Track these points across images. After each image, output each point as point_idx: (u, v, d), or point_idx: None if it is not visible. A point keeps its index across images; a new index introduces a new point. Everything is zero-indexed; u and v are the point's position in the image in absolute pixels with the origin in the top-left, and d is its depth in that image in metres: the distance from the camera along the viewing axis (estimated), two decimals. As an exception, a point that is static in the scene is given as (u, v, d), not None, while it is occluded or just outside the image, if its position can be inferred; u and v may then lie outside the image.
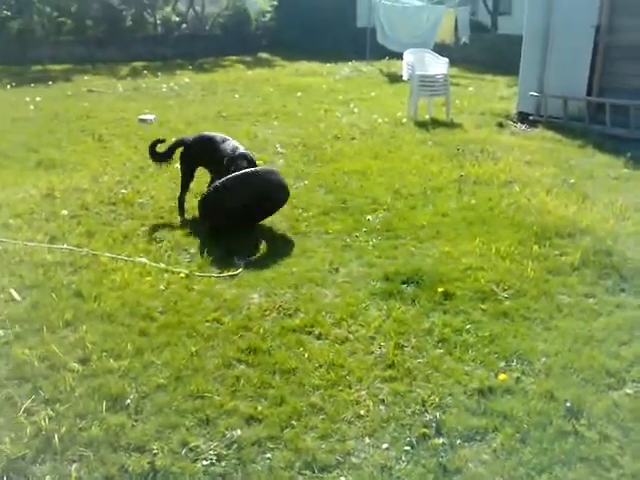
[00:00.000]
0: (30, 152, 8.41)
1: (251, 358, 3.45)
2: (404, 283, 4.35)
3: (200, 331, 3.72)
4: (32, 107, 11.62)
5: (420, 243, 5.08)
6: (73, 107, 11.78)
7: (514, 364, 3.42)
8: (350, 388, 3.21)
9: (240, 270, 4.55)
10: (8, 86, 14.20)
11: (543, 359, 3.45)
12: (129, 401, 3.06)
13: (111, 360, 3.38)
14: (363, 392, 3.18)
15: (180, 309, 3.99)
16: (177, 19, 22.35)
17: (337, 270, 4.62)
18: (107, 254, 4.87)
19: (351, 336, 3.68)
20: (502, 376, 3.27)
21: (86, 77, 15.97)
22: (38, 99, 12.27)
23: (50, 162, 7.82)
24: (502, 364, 3.42)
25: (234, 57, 20.60)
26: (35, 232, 5.37)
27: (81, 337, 3.62)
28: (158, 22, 21.90)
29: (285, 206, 5.72)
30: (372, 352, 3.53)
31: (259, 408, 3.04)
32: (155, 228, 5.53)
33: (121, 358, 3.42)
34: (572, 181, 6.80)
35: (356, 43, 19.48)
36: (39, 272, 4.55)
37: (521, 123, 10.28)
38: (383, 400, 3.12)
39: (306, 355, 3.48)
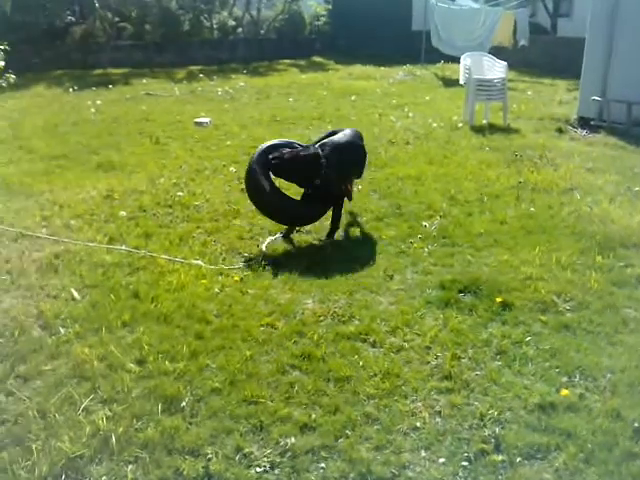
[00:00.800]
0: (91, 154, 8.62)
1: (305, 364, 3.42)
2: (461, 292, 4.26)
3: (254, 335, 3.72)
4: (93, 110, 11.91)
5: (477, 251, 4.97)
6: (132, 110, 12.03)
7: (577, 380, 3.29)
8: (406, 398, 3.15)
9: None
10: (71, 90, 14.58)
11: (608, 375, 3.31)
12: (184, 404, 3.07)
13: (167, 362, 3.40)
14: (419, 403, 3.11)
15: (234, 312, 3.99)
16: (233, 23, 22.62)
17: (392, 277, 4.56)
18: (164, 256, 4.93)
19: (406, 345, 3.62)
20: (564, 392, 3.15)
21: (144, 80, 16.29)
22: (99, 102, 12.58)
23: (109, 164, 8.00)
24: (564, 379, 3.30)
25: (288, 61, 20.71)
26: (95, 232, 5.48)
27: (138, 338, 3.66)
28: (215, 26, 22.21)
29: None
30: (428, 362, 3.46)
31: (313, 416, 3.01)
32: (210, 231, 5.57)
33: (177, 360, 3.44)
34: (636, 189, 6.57)
35: (411, 46, 19.35)
36: (98, 272, 4.63)
37: (581, 128, 10.00)
38: (440, 412, 3.04)
39: (361, 363, 3.44)
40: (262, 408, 3.06)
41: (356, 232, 5.48)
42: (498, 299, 4.04)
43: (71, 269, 4.70)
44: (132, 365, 3.38)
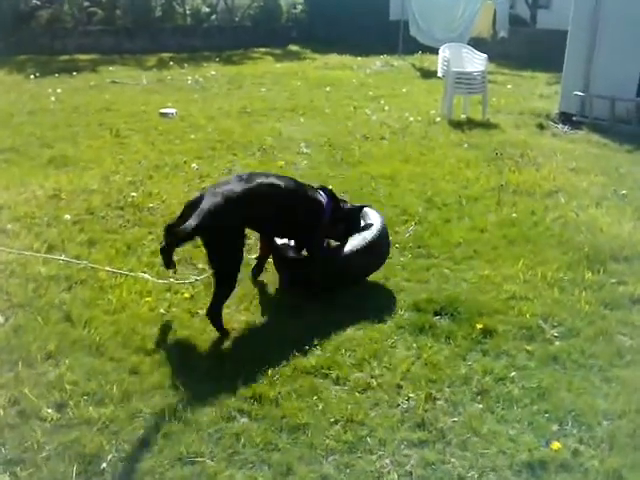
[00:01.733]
0: (44, 147, 8.00)
1: (255, 409, 2.93)
2: (437, 314, 3.80)
3: (199, 370, 3.22)
4: (53, 99, 11.24)
5: (455, 264, 4.51)
6: (94, 99, 11.38)
7: (569, 428, 2.84)
8: (371, 454, 2.68)
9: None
10: (32, 76, 13.85)
11: (605, 423, 2.87)
12: (105, 465, 2.57)
13: (91, 407, 2.89)
14: (387, 460, 2.64)
15: (179, 340, 3.49)
16: (207, 10, 21.88)
17: (361, 295, 4.07)
18: (107, 268, 4.39)
19: (374, 382, 3.14)
20: (556, 445, 2.70)
21: (112, 68, 15.58)
22: (59, 90, 11.90)
23: (62, 159, 7.40)
24: (555, 427, 2.84)
25: (263, 49, 20.06)
26: (33, 239, 4.93)
27: (61, 374, 3.14)
28: (188, 13, 21.46)
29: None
30: (398, 405, 2.99)
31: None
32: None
33: (104, 404, 2.93)
34: (623, 192, 6.16)
35: (388, 36, 18.81)
36: (29, 288, 4.10)
37: (563, 124, 9.60)
38: (411, 473, 2.58)
39: (320, 406, 2.96)
40: (199, 469, 2.57)
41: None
42: (478, 325, 3.58)
43: (-1, 284, 4.15)
44: (49, 411, 2.86)
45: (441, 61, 10.12)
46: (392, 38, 18.38)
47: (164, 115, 9.96)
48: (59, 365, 3.23)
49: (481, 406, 2.97)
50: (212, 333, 3.55)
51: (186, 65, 16.06)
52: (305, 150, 7.80)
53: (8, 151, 7.72)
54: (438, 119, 9.54)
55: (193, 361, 3.29)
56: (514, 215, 5.45)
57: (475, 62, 9.99)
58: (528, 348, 3.44)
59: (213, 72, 14.89)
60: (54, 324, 3.62)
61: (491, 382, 3.13)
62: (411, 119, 9.59)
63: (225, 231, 3.55)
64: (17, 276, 4.28)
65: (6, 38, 17.43)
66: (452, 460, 2.64)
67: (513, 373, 3.20)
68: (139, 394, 3.01)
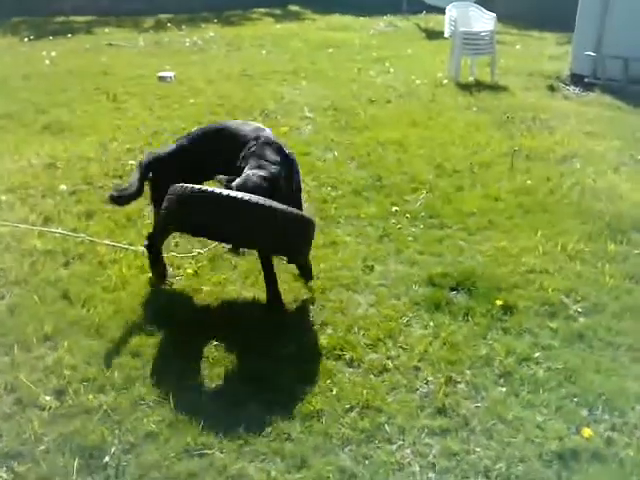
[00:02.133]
0: (38, 113, 7.72)
1: (265, 394, 2.76)
2: (453, 290, 3.61)
3: (203, 353, 3.04)
4: (47, 62, 10.90)
5: (470, 235, 4.31)
6: (90, 62, 11.03)
7: (599, 413, 2.68)
8: (390, 443, 2.52)
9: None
10: (26, 39, 13.46)
11: (638, 407, 2.70)
12: (108, 458, 2.41)
13: (91, 394, 2.72)
14: (407, 450, 2.49)
15: (182, 318, 3.31)
16: (204, -32, 21.22)
17: (372, 269, 3.89)
18: (105, 241, 4.20)
19: (390, 364, 2.98)
20: (586, 431, 2.54)
21: (107, 30, 15.13)
22: (54, 53, 11.53)
23: (58, 125, 7.14)
24: (584, 413, 2.68)
25: (263, 9, 19.47)
26: (28, 211, 4.72)
27: (59, 358, 2.97)
28: (184, -28, 20.81)
29: (312, 183, 4.99)
30: (417, 389, 2.82)
31: (272, 473, 2.36)
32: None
33: (105, 391, 2.76)
34: (641, 157, 5.92)
35: (392, -5, 18.25)
36: (25, 263, 3.91)
37: (574, 86, 9.27)
38: (434, 465, 2.42)
39: (334, 391, 2.79)
40: (208, 462, 2.41)
41: (330, 209, 4.77)
42: (498, 301, 3.40)
43: (-7, 260, 3.96)
44: (47, 399, 2.69)
45: (448, 21, 9.75)
46: (395, -3, 17.84)
47: (162, 79, 9.62)
48: (57, 348, 3.06)
49: (505, 389, 2.81)
50: (217, 312, 3.36)
51: (184, 27, 15.59)
52: (309, 114, 7.52)
53: (2, 117, 7.44)
54: (445, 81, 9.21)
55: (197, 342, 3.11)
56: (529, 182, 5.23)
57: (483, 21, 9.62)
58: (551, 325, 3.26)
59: (212, 34, 14.45)
60: (51, 303, 3.44)
61: (514, 363, 2.96)
62: (417, 82, 9.26)
63: None
64: (12, 251, 4.09)
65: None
66: (477, 450, 2.48)
67: (537, 353, 3.03)
68: (142, 379, 2.85)
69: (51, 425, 2.56)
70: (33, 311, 3.34)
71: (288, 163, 3.37)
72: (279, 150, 3.37)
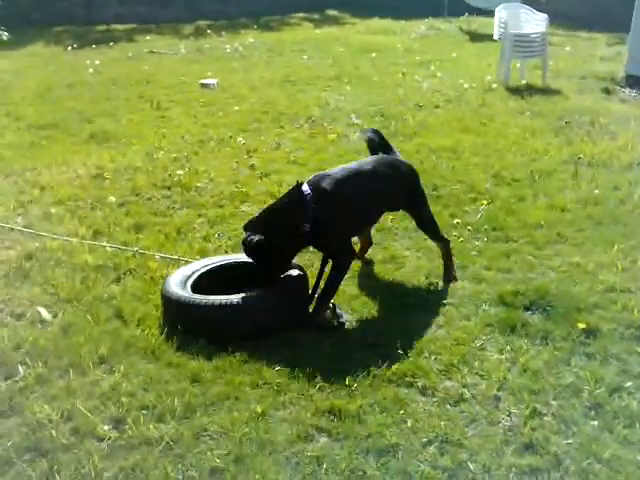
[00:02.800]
0: (84, 122, 7.72)
1: (335, 426, 2.57)
2: (527, 309, 3.37)
3: (266, 378, 2.86)
4: (91, 71, 10.94)
5: (538, 249, 4.06)
6: (133, 71, 11.04)
7: None
8: (475, 484, 2.31)
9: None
10: (69, 48, 13.57)
11: None
12: (171, 497, 2.25)
13: (151, 424, 2.56)
14: (496, 493, 2.27)
15: (244, 342, 3.12)
16: (242, -25, 21.25)
17: (436, 286, 3.67)
18: (157, 254, 4.07)
19: (467, 393, 2.76)
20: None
21: (148, 37, 15.20)
22: (97, 62, 11.59)
23: (103, 134, 7.11)
24: (690, 452, 2.43)
25: (301, 14, 19.38)
26: (78, 224, 4.63)
27: (116, 383, 2.82)
28: (222, -22, 20.87)
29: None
30: (499, 422, 2.60)
31: (350, 521, 2.17)
32: (214, 220, 4.70)
33: (165, 420, 2.60)
34: None
35: (432, -2, 17.98)
36: (77, 279, 3.79)
37: (630, 88, 8.91)
38: (527, 512, 2.20)
39: (409, 423, 2.58)
40: (278, 505, 2.23)
41: (387, 221, 4.56)
42: (580, 323, 3.15)
43: (44, 275, 3.86)
44: (106, 428, 2.54)
45: (497, 22, 9.46)
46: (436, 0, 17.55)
47: (205, 86, 9.56)
48: (113, 371, 2.92)
49: (597, 424, 2.56)
50: (281, 335, 3.18)
51: (224, 33, 15.57)
52: (356, 121, 7.34)
53: (49, 127, 7.45)
54: (495, 85, 8.93)
55: (258, 366, 2.93)
56: (596, 191, 4.95)
57: (534, 23, 9.33)
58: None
59: (252, 39, 14.39)
60: (104, 322, 3.30)
61: (604, 394, 2.71)
62: (465, 86, 9.00)
63: None
64: (63, 266, 3.99)
65: (43, 8, 17.17)
66: (574, 495, 2.25)
67: (628, 383, 2.78)
68: (203, 407, 2.68)
69: (111, 458, 2.40)
70: (87, 331, 3.21)
71: None
72: None
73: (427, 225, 3.86)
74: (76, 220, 4.69)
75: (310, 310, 3.34)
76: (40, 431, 2.53)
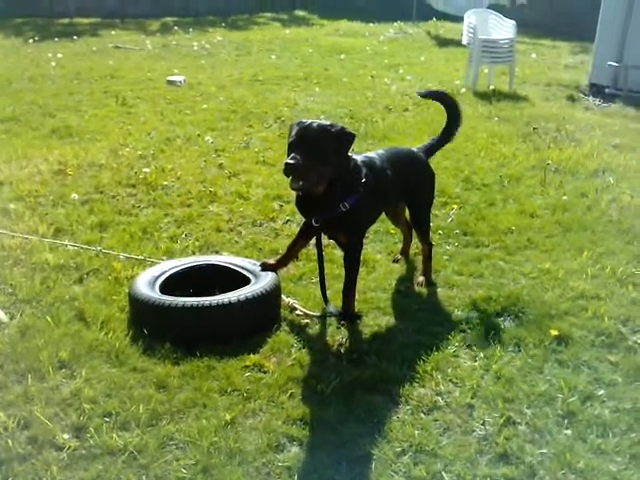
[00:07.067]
0: (45, 117, 7.51)
1: (307, 435, 2.49)
2: (499, 316, 3.35)
3: (236, 384, 2.77)
4: (53, 64, 10.68)
5: (509, 255, 4.05)
6: (97, 65, 10.81)
7: (680, 464, 2.42)
8: (450, 495, 2.26)
9: None
10: (31, 40, 13.24)
11: None
12: (136, 513, 2.14)
13: (114, 432, 2.45)
14: (471, 505, 2.22)
15: (211, 346, 3.02)
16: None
17: (409, 290, 3.63)
18: (122, 255, 3.94)
19: (440, 400, 2.71)
20: (668, 485, 2.28)
21: (114, 32, 14.92)
22: (60, 55, 11.31)
23: (66, 129, 6.92)
24: (663, 462, 2.42)
25: (269, 14, 19.31)
26: (38, 221, 4.47)
27: (77, 389, 2.69)
28: (190, -25, 20.60)
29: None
30: (473, 430, 2.55)
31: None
32: (181, 220, 4.58)
33: (129, 428, 2.49)
34: (676, 173, 5.68)
35: (401, 2, 18.08)
36: (36, 279, 3.64)
37: (594, 96, 9.06)
38: (504, 525, 2.15)
39: (382, 430, 2.52)
40: (248, 518, 2.15)
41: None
42: (552, 331, 3.13)
43: (2, 274, 3.70)
44: (66, 437, 2.42)
45: (466, 28, 9.52)
46: (405, 4, 17.64)
47: (172, 83, 9.41)
48: (74, 377, 2.78)
49: (570, 432, 2.54)
50: (247, 339, 3.09)
51: (191, 30, 15.39)
52: (325, 122, 7.27)
53: (8, 121, 7.22)
54: (463, 90, 9.00)
55: (228, 373, 2.84)
56: (564, 198, 4.98)
57: (502, 29, 9.42)
58: (611, 359, 3.00)
59: (219, 38, 14.25)
60: (66, 324, 3.16)
61: (577, 403, 2.69)
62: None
63: None
64: (22, 265, 3.83)
65: (6, -1, 16.74)
66: (550, 507, 2.22)
67: (601, 391, 2.76)
68: (169, 415, 2.57)
69: (70, 469, 2.27)
70: (47, 334, 3.06)
71: None
72: None
73: (422, 223, 3.79)
74: (36, 217, 4.52)
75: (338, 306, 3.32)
76: (-4, 440, 2.40)
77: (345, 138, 3.10)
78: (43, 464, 2.29)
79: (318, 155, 2.95)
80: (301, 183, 2.97)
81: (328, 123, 3.10)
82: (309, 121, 3.08)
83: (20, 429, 2.46)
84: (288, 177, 2.99)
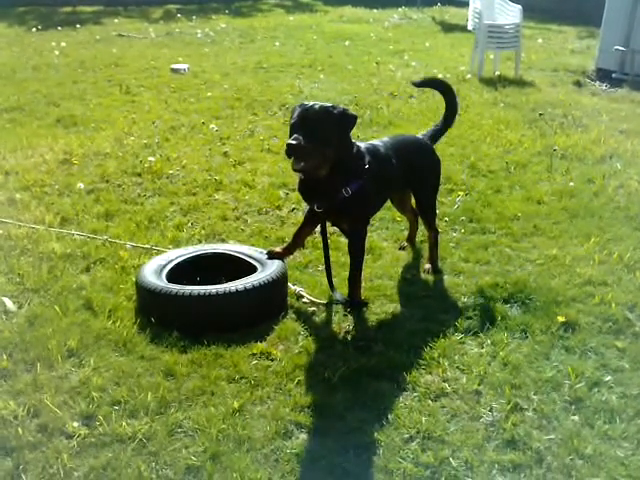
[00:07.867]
0: (50, 106, 7.49)
1: (314, 422, 2.51)
2: (506, 302, 3.35)
3: (244, 371, 2.78)
4: (57, 53, 10.64)
5: (516, 242, 4.05)
6: (101, 53, 10.77)
7: (687, 449, 2.42)
8: (458, 480, 2.27)
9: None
10: (34, 29, 13.19)
11: None
12: (145, 498, 2.16)
13: (124, 420, 2.47)
14: (479, 490, 2.23)
15: (219, 334, 3.03)
16: (213, -42, 20.87)
17: (415, 277, 3.63)
18: (128, 243, 3.95)
19: (447, 387, 2.72)
20: (677, 471, 2.28)
21: (117, 20, 14.85)
22: (64, 44, 11.28)
23: (71, 119, 6.90)
24: (670, 448, 2.42)
25: (272, 1, 19.19)
26: (45, 211, 4.47)
27: (86, 378, 2.71)
28: (193, -39, 20.47)
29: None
30: (480, 417, 2.56)
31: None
32: (187, 209, 4.58)
33: (137, 416, 2.51)
34: (684, 158, 5.65)
35: (405, -13, 17.90)
36: (44, 269, 3.65)
37: (600, 81, 8.99)
38: (512, 511, 2.16)
39: (389, 417, 2.53)
40: (257, 503, 2.16)
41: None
42: (559, 317, 3.13)
43: (9, 264, 3.71)
44: (75, 425, 2.44)
45: (472, 13, 9.44)
46: (409, -11, 17.49)
47: (176, 71, 9.38)
48: (83, 365, 2.80)
49: (577, 418, 2.54)
50: (254, 327, 3.10)
51: (194, 17, 15.29)
52: (330, 110, 7.24)
53: (13, 110, 7.21)
54: (468, 76, 8.93)
55: (235, 361, 2.85)
56: (571, 184, 4.96)
57: (508, 14, 9.33)
58: (618, 345, 3.00)
59: (223, 25, 14.16)
60: (73, 313, 3.18)
61: (585, 389, 2.69)
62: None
63: None
64: (29, 254, 3.84)
65: (4, -13, 16.65)
66: (558, 492, 2.22)
67: (608, 377, 2.77)
68: (177, 403, 2.59)
69: (80, 457, 2.30)
70: (55, 323, 3.08)
71: None
72: None
73: (428, 210, 3.78)
74: (43, 207, 4.53)
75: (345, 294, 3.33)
76: (5, 428, 2.42)
77: (347, 120, 3.10)
78: (53, 452, 2.31)
79: (320, 136, 2.95)
80: (303, 164, 2.97)
81: (330, 105, 3.09)
82: (311, 103, 3.08)
83: (30, 417, 2.48)
84: (290, 158, 2.98)
